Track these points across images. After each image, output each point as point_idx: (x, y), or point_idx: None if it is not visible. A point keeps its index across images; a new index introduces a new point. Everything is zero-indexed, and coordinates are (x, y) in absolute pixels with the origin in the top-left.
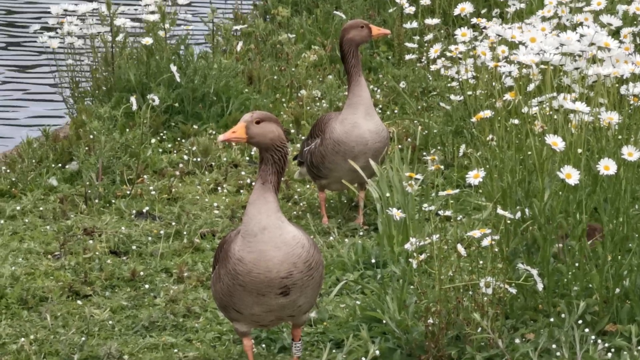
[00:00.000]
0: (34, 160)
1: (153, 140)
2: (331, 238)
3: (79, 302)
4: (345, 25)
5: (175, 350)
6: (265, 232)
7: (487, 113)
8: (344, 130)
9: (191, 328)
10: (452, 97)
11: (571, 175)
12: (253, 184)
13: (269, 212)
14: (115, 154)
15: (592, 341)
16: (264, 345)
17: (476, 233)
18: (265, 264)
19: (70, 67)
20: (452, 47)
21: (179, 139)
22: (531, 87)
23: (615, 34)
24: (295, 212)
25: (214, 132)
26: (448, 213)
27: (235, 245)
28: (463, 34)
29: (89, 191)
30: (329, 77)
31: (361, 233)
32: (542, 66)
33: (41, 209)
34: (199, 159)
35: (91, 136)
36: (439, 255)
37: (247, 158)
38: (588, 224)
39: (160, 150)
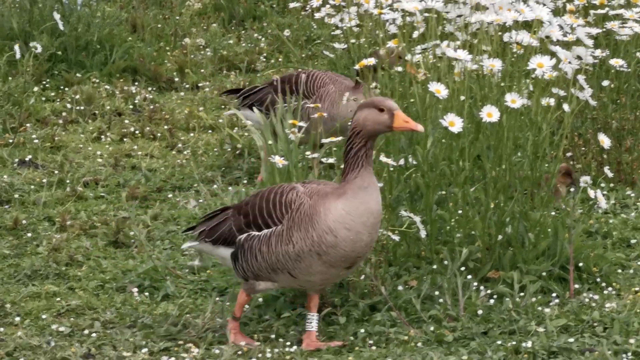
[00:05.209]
0: None
1: (36, 89)
2: (215, 186)
3: None
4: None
5: (58, 299)
6: (370, 217)
7: (371, 61)
8: None
9: (74, 276)
10: (336, 45)
11: (454, 122)
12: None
13: (378, 200)
14: None
15: (474, 288)
16: (147, 294)
17: None
18: (354, 244)
19: None
20: None
21: (62, 87)
22: (415, 34)
23: None
24: (179, 161)
25: (97, 81)
26: (331, 160)
27: (329, 215)
28: None
29: None
30: (213, 25)
31: (245, 181)
32: (426, 14)
33: None
34: (82, 108)
35: None
36: None
37: (131, 107)
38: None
39: (44, 98)
